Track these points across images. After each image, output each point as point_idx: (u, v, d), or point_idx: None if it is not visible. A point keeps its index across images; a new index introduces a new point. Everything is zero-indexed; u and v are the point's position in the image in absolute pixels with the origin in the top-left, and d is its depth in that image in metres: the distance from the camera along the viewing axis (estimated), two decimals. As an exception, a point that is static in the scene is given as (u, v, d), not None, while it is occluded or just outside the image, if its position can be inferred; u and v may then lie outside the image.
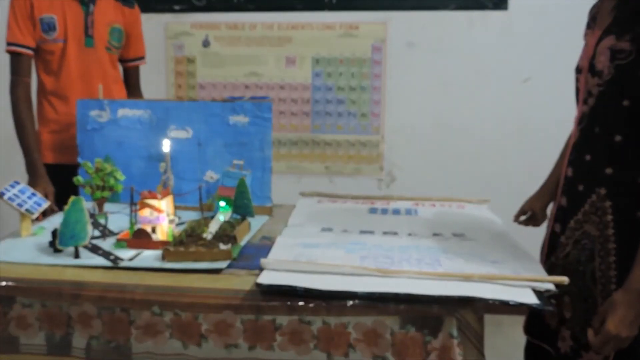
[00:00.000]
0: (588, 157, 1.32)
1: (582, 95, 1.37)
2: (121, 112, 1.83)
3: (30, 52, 1.97)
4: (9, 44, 1.95)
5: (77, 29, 1.99)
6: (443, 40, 2.93)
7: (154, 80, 3.02)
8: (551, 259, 1.42)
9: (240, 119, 1.79)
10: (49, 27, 1.97)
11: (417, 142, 3.00)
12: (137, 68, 2.25)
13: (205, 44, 3.00)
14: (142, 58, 2.25)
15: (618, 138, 1.26)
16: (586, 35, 1.42)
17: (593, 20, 1.39)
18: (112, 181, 1.69)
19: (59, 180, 1.92)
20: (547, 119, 2.90)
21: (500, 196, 2.82)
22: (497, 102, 2.94)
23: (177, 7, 3.00)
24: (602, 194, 1.28)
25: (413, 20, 2.92)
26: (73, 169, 1.85)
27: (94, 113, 1.84)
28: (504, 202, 2.85)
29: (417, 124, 2.99)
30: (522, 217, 1.70)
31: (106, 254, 1.35)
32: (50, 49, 1.98)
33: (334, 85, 2.98)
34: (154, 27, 3.00)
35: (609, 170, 1.28)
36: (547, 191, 1.68)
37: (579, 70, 1.40)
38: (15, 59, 1.96)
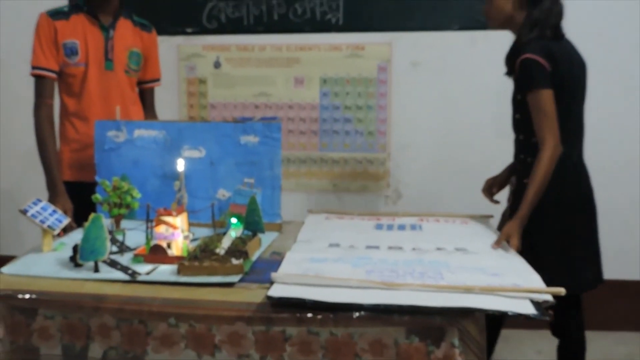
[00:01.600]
0: (515, 150, 1.95)
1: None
2: (137, 132, 1.90)
3: (53, 75, 2.04)
4: (33, 67, 2.03)
5: (97, 53, 2.07)
6: (447, 60, 2.96)
7: (167, 100, 3.08)
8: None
9: (251, 139, 1.84)
10: (72, 52, 2.05)
11: (422, 159, 3.02)
12: (152, 89, 2.33)
13: (217, 65, 3.07)
14: (157, 80, 2.33)
15: (521, 137, 1.90)
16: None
17: None
18: (128, 199, 1.75)
19: (78, 197, 1.99)
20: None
21: (502, 209, 2.88)
22: (501, 119, 2.95)
23: (189, 30, 3.08)
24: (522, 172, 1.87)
25: (417, 41, 2.97)
26: (91, 186, 1.91)
27: (111, 133, 1.90)
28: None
29: (422, 142, 3.02)
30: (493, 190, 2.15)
31: (124, 269, 1.40)
32: (72, 72, 2.06)
33: (341, 105, 3.03)
34: (167, 49, 3.07)
35: (521, 156, 1.90)
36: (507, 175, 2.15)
37: None
38: (40, 82, 2.04)
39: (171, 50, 3.08)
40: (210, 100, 3.10)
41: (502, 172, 2.15)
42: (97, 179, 1.86)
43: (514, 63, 1.83)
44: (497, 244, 1.62)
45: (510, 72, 1.91)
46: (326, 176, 3.00)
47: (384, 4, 2.96)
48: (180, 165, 1.64)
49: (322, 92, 3.03)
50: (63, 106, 2.12)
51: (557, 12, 1.88)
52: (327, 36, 3.01)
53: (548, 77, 1.76)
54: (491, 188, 2.14)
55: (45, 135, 2.02)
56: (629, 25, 2.91)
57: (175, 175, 1.67)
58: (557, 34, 1.87)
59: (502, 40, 2.90)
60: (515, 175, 1.94)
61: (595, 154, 2.91)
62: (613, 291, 2.95)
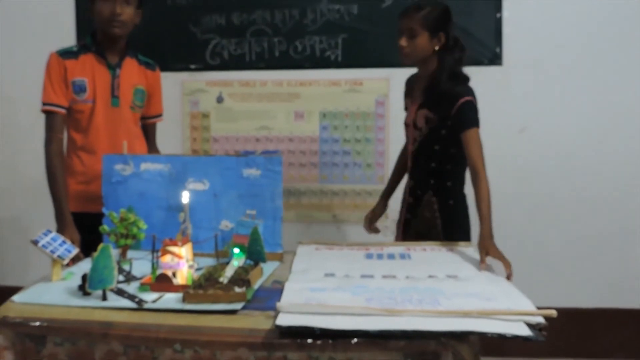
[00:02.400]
0: (420, 175, 2.18)
1: (411, 140, 2.19)
2: (143, 166, 1.95)
3: (63, 111, 2.12)
4: (44, 104, 2.11)
5: (104, 90, 2.15)
6: (442, 95, 3.06)
7: (171, 133, 3.16)
8: (408, 233, 2.23)
9: (253, 172, 1.89)
10: (80, 89, 2.13)
11: None
12: (155, 124, 2.41)
13: (219, 100, 3.15)
14: (160, 115, 2.42)
15: (433, 165, 2.14)
16: (406, 101, 2.26)
17: (410, 92, 2.23)
18: (135, 230, 1.79)
19: (82, 227, 2.05)
20: (542, 166, 3.01)
21: (498, 239, 2.94)
22: (495, 152, 2.99)
23: (193, 66, 3.17)
24: (430, 194, 2.16)
25: None
26: (95, 217, 1.96)
27: (118, 167, 1.95)
28: (504, 245, 2.97)
29: None
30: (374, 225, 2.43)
31: (131, 297, 1.44)
32: (80, 109, 2.14)
33: (340, 138, 3.10)
34: (171, 84, 3.15)
35: (432, 182, 2.15)
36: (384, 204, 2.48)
37: (406, 124, 2.22)
38: (50, 117, 2.11)
39: (176, 86, 3.17)
40: (213, 133, 3.17)
41: (377, 203, 2.47)
42: (105, 210, 1.91)
43: (447, 103, 2.03)
44: (483, 262, 1.75)
45: (434, 110, 2.08)
46: (326, 207, 3.05)
47: (381, 41, 3.04)
48: (185, 197, 1.70)
49: (322, 125, 3.11)
50: (70, 140, 2.20)
51: (464, 59, 2.12)
52: (327, 72, 3.10)
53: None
54: (372, 223, 2.43)
55: (56, 168, 2.09)
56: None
57: (180, 207, 1.73)
58: (466, 78, 2.12)
59: (493, 76, 3.02)
60: (420, 193, 2.20)
61: (594, 187, 3.00)
62: (614, 319, 2.99)
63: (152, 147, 2.39)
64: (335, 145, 3.11)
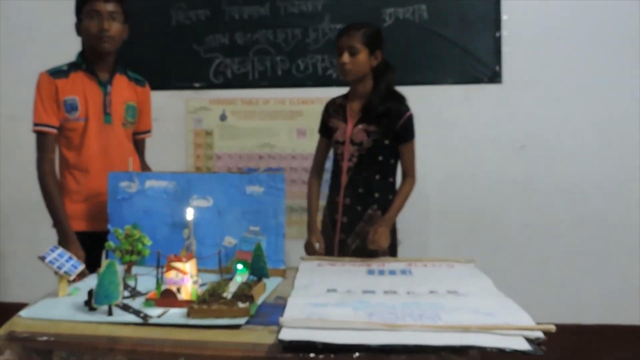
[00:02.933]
0: (361, 190, 2.27)
1: (347, 156, 2.28)
2: (148, 183, 1.97)
3: (55, 131, 2.10)
4: (35, 124, 2.09)
5: (97, 108, 2.14)
6: (442, 112, 3.08)
7: (175, 151, 3.20)
8: (346, 254, 2.26)
9: (256, 189, 1.92)
10: (72, 108, 2.11)
11: (420, 208, 3.06)
12: (144, 140, 2.39)
13: (223, 117, 3.19)
14: (149, 131, 2.40)
15: (377, 177, 2.27)
16: (333, 122, 2.33)
17: (337, 113, 2.34)
18: (140, 246, 1.80)
19: (82, 245, 2.05)
20: (542, 182, 3.04)
21: (500, 254, 2.96)
22: (495, 168, 3.07)
23: (197, 85, 3.21)
24: (375, 208, 2.26)
25: (414, 94, 3.00)
26: (94, 235, 2.00)
27: (124, 184, 1.98)
28: (504, 261, 2.99)
29: (419, 191, 3.05)
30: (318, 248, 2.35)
31: (136, 312, 1.46)
32: (72, 127, 2.12)
33: (341, 155, 3.14)
34: (175, 102, 3.21)
35: (377, 195, 2.26)
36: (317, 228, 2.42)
37: (340, 142, 2.30)
38: (42, 137, 2.10)
39: (180, 104, 3.21)
40: (216, 151, 3.21)
41: (314, 233, 2.38)
42: (110, 227, 1.93)
43: (393, 118, 2.23)
44: (371, 242, 2.14)
45: (377, 124, 2.23)
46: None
47: (382, 60, 3.09)
48: (190, 214, 1.71)
49: (324, 143, 3.13)
50: (63, 159, 2.18)
51: (395, 78, 2.33)
52: (328, 90, 3.08)
53: None
54: (314, 246, 2.37)
55: (51, 188, 2.08)
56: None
57: (184, 224, 1.72)
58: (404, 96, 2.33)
59: (494, 94, 3.06)
60: (360, 209, 2.29)
61: (594, 203, 3.02)
62: (615, 335, 2.99)
63: (142, 163, 2.38)
64: (336, 162, 3.13)
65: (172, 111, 3.21)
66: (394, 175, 2.34)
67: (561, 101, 3.03)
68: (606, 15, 2.97)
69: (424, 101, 3.06)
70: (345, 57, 2.20)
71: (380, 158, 2.27)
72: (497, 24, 3.03)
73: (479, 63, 3.05)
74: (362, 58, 2.21)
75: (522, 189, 3.05)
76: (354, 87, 2.31)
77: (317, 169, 2.47)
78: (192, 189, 1.96)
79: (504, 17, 3.02)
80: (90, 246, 2.07)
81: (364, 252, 2.19)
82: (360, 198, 2.28)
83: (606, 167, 3.01)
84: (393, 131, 2.25)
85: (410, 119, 2.28)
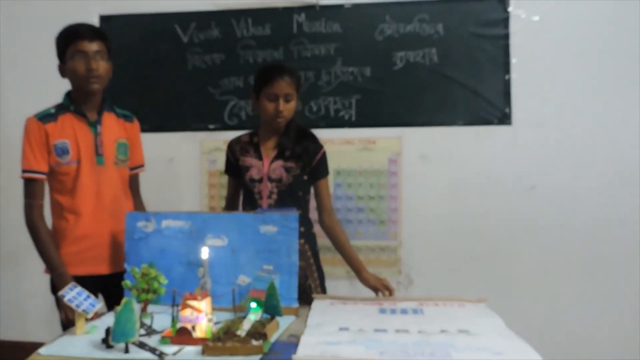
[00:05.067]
0: None
1: (266, 193, 2.27)
2: (165, 223, 1.99)
3: (44, 177, 2.07)
4: (24, 171, 2.05)
5: (88, 150, 2.10)
6: (453, 153, 3.12)
7: (190, 191, 3.26)
8: None
9: (270, 229, 1.94)
10: (63, 152, 2.06)
11: (432, 247, 3.12)
12: (137, 176, 2.34)
13: (237, 158, 3.25)
14: (142, 166, 2.36)
15: (299, 212, 2.09)
16: (243, 160, 2.31)
17: (246, 151, 2.32)
18: (156, 285, 1.82)
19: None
20: (552, 222, 3.05)
21: (510, 293, 2.95)
22: (506, 208, 3.08)
23: (211, 126, 3.29)
24: (302, 243, 2.21)
25: (425, 135, 3.14)
26: (89, 280, 2.00)
27: (140, 224, 2.00)
28: (515, 299, 2.98)
29: (432, 230, 3.12)
30: None
31: (152, 350, 1.48)
32: (64, 171, 2.08)
33: (354, 195, 3.17)
34: (190, 144, 3.28)
35: (302, 229, 2.15)
36: None
37: (256, 180, 2.28)
38: (30, 184, 2.05)
39: (194, 145, 3.28)
40: (230, 191, 3.25)
41: None
42: (127, 266, 1.95)
43: (310, 154, 2.28)
44: (390, 291, 2.22)
45: (294, 160, 2.27)
46: (340, 263, 3.05)
47: (393, 102, 3.15)
48: (205, 253, 1.74)
49: (336, 182, 3.18)
50: (55, 204, 2.13)
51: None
52: (341, 131, 3.19)
53: None
54: None
55: (43, 234, 2.05)
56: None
57: (200, 262, 1.77)
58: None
59: (503, 135, 3.10)
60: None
61: (605, 243, 3.02)
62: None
63: (136, 198, 2.35)
64: (349, 202, 3.17)
65: (187, 152, 3.28)
66: (308, 209, 2.36)
67: (570, 142, 3.06)
68: (614, 57, 3.03)
69: (434, 142, 3.14)
70: (282, 105, 2.20)
71: (300, 194, 2.30)
72: (506, 67, 3.09)
73: (489, 105, 3.10)
74: (294, 103, 2.25)
75: (532, 229, 3.06)
76: (266, 126, 2.31)
77: (229, 210, 2.44)
78: (207, 228, 1.98)
79: (513, 60, 3.09)
80: (89, 289, 2.05)
81: (301, 287, 2.10)
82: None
83: (616, 208, 3.02)
84: (309, 167, 2.30)
85: (324, 156, 2.33)
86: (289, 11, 3.24)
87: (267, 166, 2.28)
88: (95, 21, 3.30)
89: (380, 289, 2.25)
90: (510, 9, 3.09)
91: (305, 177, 2.30)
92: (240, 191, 2.41)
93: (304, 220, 2.28)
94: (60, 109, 2.13)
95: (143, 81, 3.29)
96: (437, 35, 3.14)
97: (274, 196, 2.27)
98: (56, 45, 2.12)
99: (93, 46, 2.06)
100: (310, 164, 2.30)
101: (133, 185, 2.33)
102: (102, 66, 2.08)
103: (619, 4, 3.01)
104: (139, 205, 2.37)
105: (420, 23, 3.14)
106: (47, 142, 2.06)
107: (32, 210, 2.06)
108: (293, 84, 2.23)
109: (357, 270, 2.32)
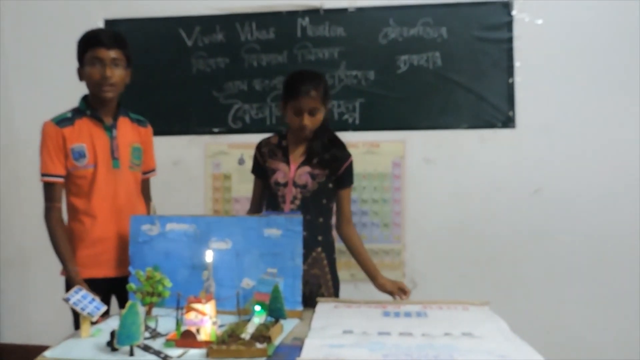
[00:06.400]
0: (305, 233, 2.05)
1: (289, 198, 2.24)
2: (169, 226, 2.00)
3: (62, 180, 2.10)
4: (43, 174, 2.09)
5: (104, 153, 2.13)
6: (457, 156, 3.12)
7: (194, 194, 3.27)
8: None
9: (274, 232, 1.95)
10: (80, 155, 2.09)
11: (436, 250, 3.12)
12: (148, 180, 2.38)
13: (241, 162, 3.25)
14: (153, 170, 2.39)
15: (321, 220, 2.25)
16: (270, 163, 2.29)
17: (274, 155, 2.30)
18: (160, 288, 1.82)
19: (95, 292, 2.04)
20: (557, 225, 3.05)
21: (515, 298, 2.95)
22: (510, 212, 3.08)
23: (216, 130, 3.29)
24: (319, 251, 2.25)
25: (429, 139, 3.14)
26: (102, 282, 2.02)
27: (145, 227, 2.01)
28: (520, 304, 2.98)
29: (435, 233, 3.12)
30: None
31: (157, 352, 1.49)
32: (82, 174, 2.11)
33: (358, 198, 3.17)
34: (195, 147, 3.28)
35: (320, 238, 2.24)
36: None
37: (281, 184, 2.26)
38: (49, 187, 2.10)
39: (199, 149, 3.28)
40: (234, 194, 3.26)
41: None
42: (131, 269, 1.96)
43: (338, 162, 2.27)
44: (407, 294, 2.23)
45: (321, 167, 2.25)
46: (344, 266, 3.07)
47: (397, 105, 3.16)
48: (209, 256, 1.75)
49: (340, 186, 3.18)
50: (71, 207, 2.16)
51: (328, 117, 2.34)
52: (345, 134, 3.10)
53: None
54: None
55: (59, 236, 2.07)
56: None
57: (204, 266, 1.78)
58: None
59: (507, 138, 3.10)
60: (304, 252, 2.12)
61: (610, 246, 3.02)
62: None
63: (147, 202, 2.34)
64: (353, 205, 3.09)
65: (191, 156, 3.29)
66: (331, 217, 2.34)
67: (574, 145, 3.06)
68: (618, 60, 3.02)
69: (438, 145, 3.14)
70: (307, 120, 2.17)
71: (324, 201, 2.28)
72: (510, 70, 3.09)
73: (493, 108, 3.10)
74: (320, 116, 2.21)
75: (536, 232, 3.06)
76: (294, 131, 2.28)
77: (254, 211, 2.41)
78: (212, 231, 1.99)
79: (517, 63, 3.09)
80: (105, 292, 2.07)
81: (312, 295, 2.16)
82: (304, 241, 2.07)
83: (621, 211, 3.02)
84: (335, 175, 2.28)
85: (351, 165, 2.32)
86: (293, 15, 3.25)
87: (293, 171, 2.26)
88: (100, 25, 3.31)
89: (396, 293, 2.25)
90: (514, 12, 3.09)
91: (331, 185, 2.28)
92: (265, 194, 2.37)
93: (324, 229, 2.28)
94: (77, 113, 2.16)
95: (147, 85, 3.30)
96: (440, 39, 3.14)
97: (297, 202, 2.24)
98: (77, 48, 2.15)
99: (110, 54, 2.08)
100: (336, 172, 2.28)
101: (145, 189, 2.36)
102: (117, 74, 2.10)
103: (622, 8, 3.01)
104: (149, 209, 2.36)
105: (424, 27, 3.15)
106: (64, 145, 2.09)
107: (51, 213, 2.10)
108: (319, 97, 2.18)
109: (373, 277, 2.31)
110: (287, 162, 2.27)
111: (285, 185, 2.26)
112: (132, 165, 2.22)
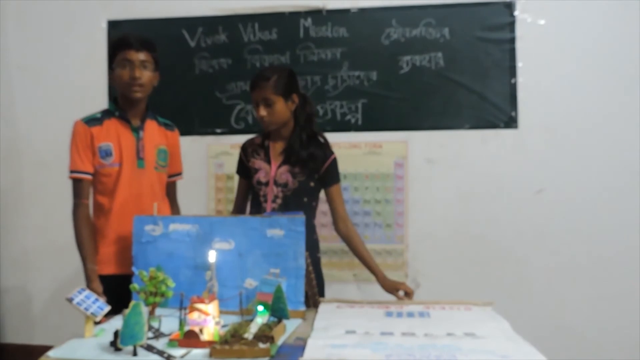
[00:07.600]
0: None
1: (271, 197, 2.26)
2: (172, 226, 2.01)
3: (90, 177, 2.18)
4: (72, 171, 2.17)
5: (130, 153, 2.21)
6: (459, 157, 3.13)
7: (197, 194, 3.27)
8: None
9: (277, 232, 1.95)
10: (107, 154, 2.18)
11: (438, 250, 3.13)
12: (174, 183, 2.45)
13: (243, 162, 3.26)
14: (179, 174, 2.47)
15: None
16: (253, 162, 2.32)
17: (255, 154, 2.33)
18: (163, 288, 1.82)
19: (114, 288, 2.07)
20: (559, 225, 3.05)
21: (518, 298, 2.95)
22: (512, 212, 3.08)
23: (218, 130, 3.31)
24: None
25: (431, 139, 3.15)
26: (124, 278, 2.02)
27: (148, 227, 2.01)
28: (522, 305, 2.98)
29: (438, 233, 3.13)
30: None
31: (160, 352, 1.49)
32: (107, 172, 2.19)
33: (360, 199, 3.18)
34: (197, 147, 3.29)
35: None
36: None
37: (262, 183, 2.28)
38: (78, 184, 2.17)
39: (201, 149, 3.30)
40: (237, 194, 3.26)
41: None
42: (134, 269, 1.97)
43: (318, 161, 2.27)
44: (410, 296, 2.18)
45: (300, 166, 2.26)
46: (347, 267, 3.09)
47: (400, 106, 3.16)
48: (212, 256, 1.75)
49: (343, 186, 3.11)
50: (97, 204, 2.23)
51: (314, 113, 2.39)
52: (347, 135, 3.21)
53: None
54: None
55: (84, 232, 2.14)
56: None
57: (207, 266, 1.77)
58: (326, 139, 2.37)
59: (510, 138, 3.10)
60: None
61: (612, 247, 3.02)
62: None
63: (173, 204, 2.43)
64: (355, 205, 3.18)
65: (194, 156, 3.29)
66: (314, 215, 2.35)
67: (577, 145, 3.06)
68: (620, 60, 3.03)
69: (441, 146, 3.15)
70: (262, 111, 2.21)
71: (305, 199, 2.28)
72: (512, 71, 3.10)
73: (495, 108, 3.10)
74: (279, 107, 2.22)
75: (539, 232, 3.06)
76: (276, 130, 2.31)
77: (237, 211, 2.44)
78: (214, 232, 2.00)
79: (519, 64, 3.09)
80: (124, 288, 2.09)
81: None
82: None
83: (623, 211, 3.02)
84: (317, 174, 2.29)
85: (334, 162, 2.31)
86: (295, 16, 3.26)
87: (274, 170, 2.29)
88: (103, 26, 3.32)
89: (396, 294, 2.24)
90: (516, 13, 3.09)
91: (312, 184, 2.29)
92: (248, 194, 2.41)
93: (308, 227, 2.22)
94: (106, 114, 2.24)
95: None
96: (443, 40, 3.15)
97: (279, 200, 2.27)
98: (107, 53, 2.25)
99: (139, 55, 2.16)
100: (318, 171, 2.29)
101: (170, 191, 2.42)
102: (146, 75, 2.18)
103: (624, 8, 3.02)
104: (176, 211, 2.45)
105: (426, 27, 3.15)
106: (92, 144, 2.17)
107: (78, 209, 2.16)
108: (271, 88, 2.19)
109: (375, 275, 2.31)
110: (269, 162, 2.30)
111: (267, 184, 2.29)
112: (158, 166, 2.28)
